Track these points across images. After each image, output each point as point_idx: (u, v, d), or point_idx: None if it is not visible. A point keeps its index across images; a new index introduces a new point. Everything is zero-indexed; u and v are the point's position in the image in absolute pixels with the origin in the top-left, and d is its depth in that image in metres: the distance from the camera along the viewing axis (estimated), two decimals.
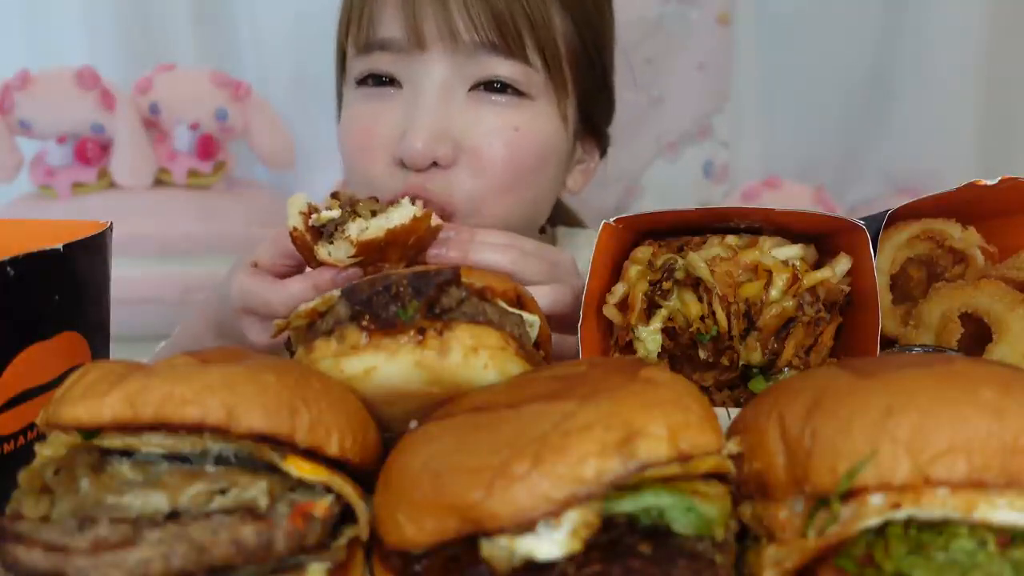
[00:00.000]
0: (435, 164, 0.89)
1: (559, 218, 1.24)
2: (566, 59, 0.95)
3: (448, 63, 0.90)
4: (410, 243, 0.71)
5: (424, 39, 0.89)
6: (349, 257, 0.70)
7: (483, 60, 0.90)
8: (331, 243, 0.70)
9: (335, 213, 0.70)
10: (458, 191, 0.90)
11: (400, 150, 0.89)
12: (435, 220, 0.73)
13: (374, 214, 0.70)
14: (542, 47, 0.91)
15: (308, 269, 0.77)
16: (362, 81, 0.94)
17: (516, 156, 0.92)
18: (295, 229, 0.71)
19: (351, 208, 0.70)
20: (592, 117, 1.04)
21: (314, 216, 0.70)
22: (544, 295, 0.72)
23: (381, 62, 0.92)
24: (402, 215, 0.69)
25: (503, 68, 0.90)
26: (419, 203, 0.71)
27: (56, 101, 1.50)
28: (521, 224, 0.98)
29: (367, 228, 0.69)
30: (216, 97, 1.55)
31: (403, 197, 0.72)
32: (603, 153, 1.12)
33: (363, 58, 0.94)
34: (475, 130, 0.90)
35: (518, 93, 0.92)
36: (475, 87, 0.91)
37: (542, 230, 1.18)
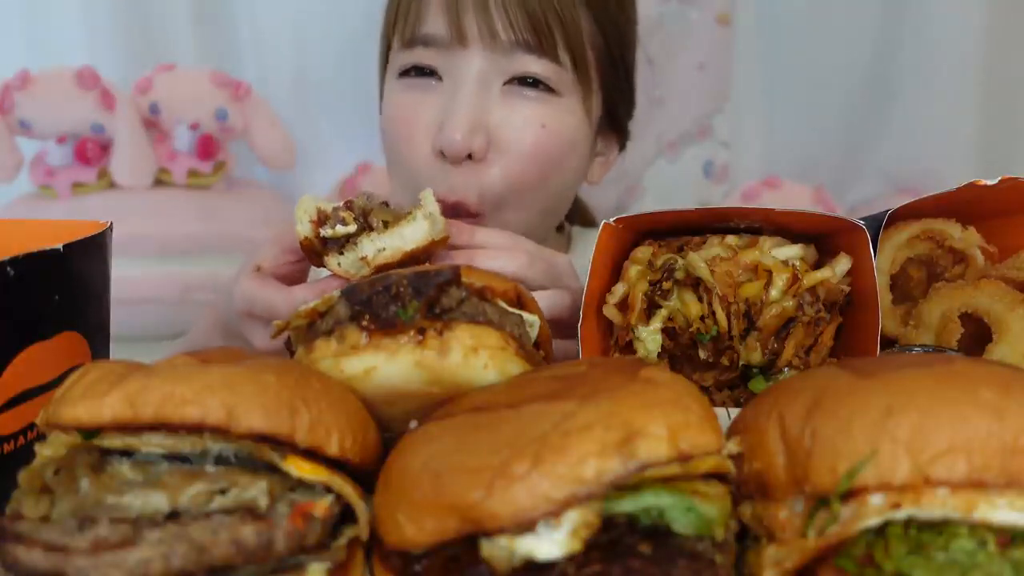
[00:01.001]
0: (470, 156, 0.95)
1: (576, 216, 1.30)
2: (592, 58, 1.01)
3: (486, 59, 0.95)
4: (421, 259, 0.71)
5: (466, 36, 0.95)
6: (361, 275, 0.69)
7: (518, 58, 0.95)
8: (341, 254, 0.69)
9: (350, 229, 0.69)
10: (489, 184, 0.96)
11: (439, 141, 0.95)
12: (440, 228, 0.72)
13: (386, 225, 0.69)
14: (571, 47, 0.97)
15: (312, 269, 0.77)
16: (405, 72, 1.00)
17: (543, 149, 0.97)
18: (305, 238, 0.70)
19: (364, 219, 0.70)
20: (614, 112, 1.09)
21: (327, 229, 0.69)
22: (543, 299, 0.73)
23: (424, 56, 0.98)
24: (416, 237, 0.69)
25: (536, 66, 0.96)
26: (431, 220, 0.70)
27: (56, 101, 1.49)
28: (545, 213, 1.05)
29: (383, 250, 0.68)
30: (216, 97, 1.55)
31: (429, 208, 0.72)
32: (622, 147, 1.17)
33: (407, 51, 0.99)
34: (507, 123, 0.96)
35: (548, 89, 0.97)
36: (509, 82, 0.97)
37: (560, 228, 1.22)
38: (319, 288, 0.72)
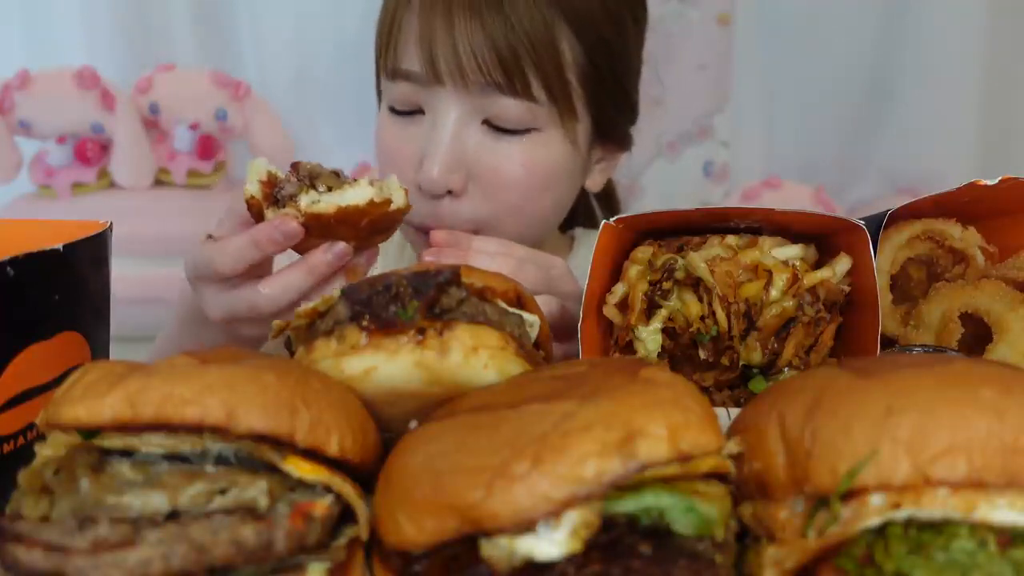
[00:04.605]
0: (449, 192, 0.96)
1: (581, 218, 1.29)
2: (577, 86, 0.99)
3: (461, 98, 0.96)
4: (363, 224, 0.71)
5: (440, 75, 0.95)
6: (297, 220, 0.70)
7: (492, 98, 0.95)
8: (280, 208, 0.70)
9: (293, 189, 0.70)
10: (470, 218, 0.98)
11: (418, 177, 0.96)
12: (396, 204, 0.72)
13: (330, 189, 0.70)
14: (547, 82, 0.95)
15: (276, 258, 0.77)
16: (391, 104, 1.01)
17: (523, 183, 0.98)
18: (252, 197, 0.71)
19: (309, 181, 0.71)
20: (609, 126, 1.08)
21: (276, 191, 0.70)
22: None
23: (406, 90, 0.99)
24: (356, 196, 0.70)
25: (509, 107, 0.95)
26: (379, 187, 0.71)
27: (56, 101, 1.49)
28: (532, 233, 1.04)
29: (318, 201, 0.69)
30: (216, 97, 1.55)
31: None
32: (627, 148, 1.15)
33: (391, 84, 1.00)
34: (486, 160, 0.97)
35: (525, 129, 0.97)
36: (486, 122, 0.97)
37: (563, 229, 1.22)
38: (252, 235, 0.71)
